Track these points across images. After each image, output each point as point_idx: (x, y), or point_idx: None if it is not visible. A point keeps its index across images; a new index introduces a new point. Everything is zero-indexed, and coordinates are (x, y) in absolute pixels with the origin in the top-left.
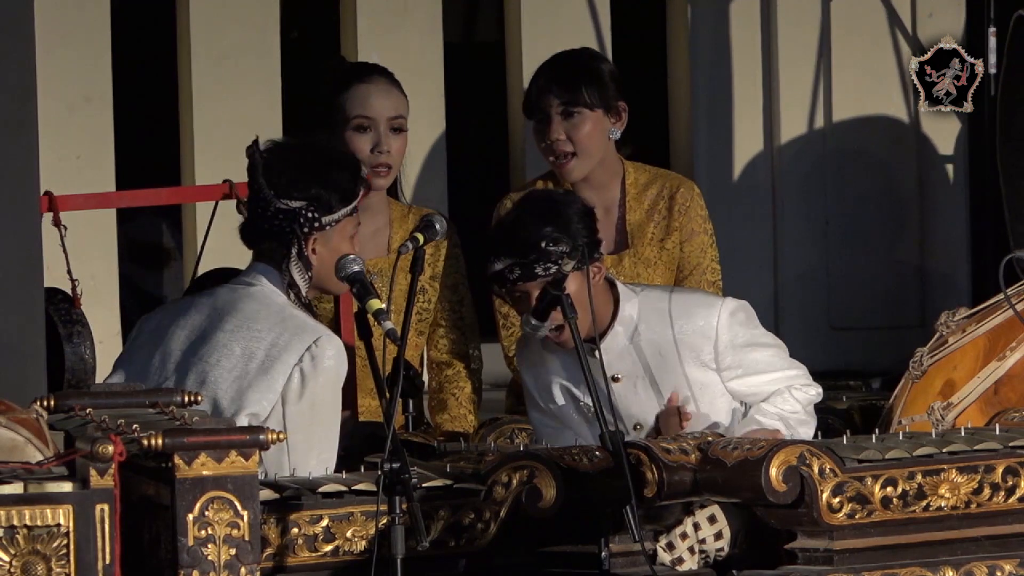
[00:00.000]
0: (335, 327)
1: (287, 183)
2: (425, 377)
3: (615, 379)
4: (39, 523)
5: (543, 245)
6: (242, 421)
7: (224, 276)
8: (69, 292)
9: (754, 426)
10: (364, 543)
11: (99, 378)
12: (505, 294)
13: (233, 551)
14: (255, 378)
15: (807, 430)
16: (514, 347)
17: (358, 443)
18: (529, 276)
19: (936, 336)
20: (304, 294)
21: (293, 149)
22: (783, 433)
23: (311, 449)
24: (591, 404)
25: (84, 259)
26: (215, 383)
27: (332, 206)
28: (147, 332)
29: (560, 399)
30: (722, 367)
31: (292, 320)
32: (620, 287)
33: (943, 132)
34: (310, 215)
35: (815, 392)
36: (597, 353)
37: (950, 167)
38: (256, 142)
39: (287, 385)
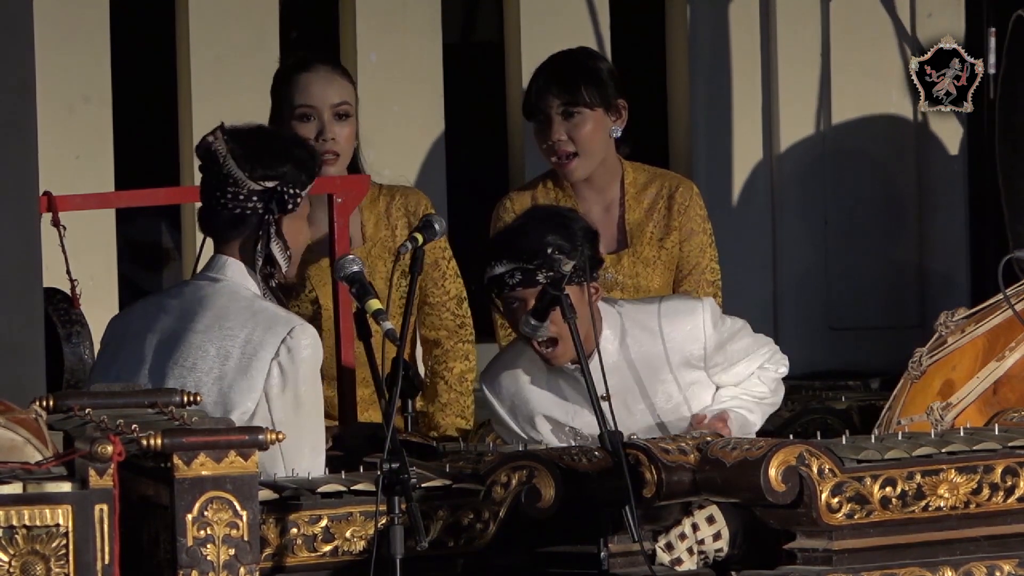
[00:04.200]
0: (335, 327)
1: (259, 164)
2: (421, 368)
3: (604, 398)
4: (38, 523)
5: (548, 252)
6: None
7: None
8: (68, 292)
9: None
10: (363, 543)
11: None
12: (500, 301)
13: (232, 551)
14: (235, 379)
15: (774, 399)
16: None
17: (359, 443)
18: (529, 282)
19: (935, 336)
20: (284, 273)
21: (251, 133)
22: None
23: (302, 440)
24: (578, 428)
25: (83, 259)
26: (195, 387)
27: (303, 183)
28: (117, 338)
29: (543, 429)
30: (709, 365)
31: (263, 313)
32: (599, 305)
33: (943, 132)
34: (291, 191)
35: (784, 368)
36: (584, 374)
37: (950, 167)
38: (220, 129)
39: (268, 381)
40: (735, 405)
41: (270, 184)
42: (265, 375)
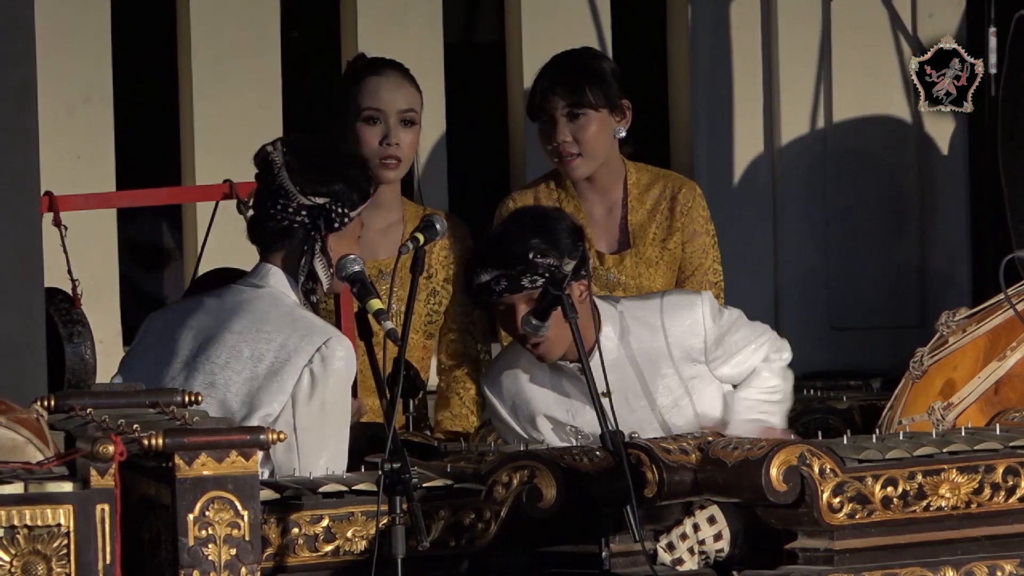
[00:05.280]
0: (336, 327)
1: (311, 180)
2: (435, 379)
3: (605, 395)
4: (39, 523)
5: (530, 257)
6: (255, 423)
7: (224, 276)
8: (69, 292)
9: (749, 424)
10: (364, 543)
11: (99, 378)
12: (489, 308)
13: (233, 551)
14: (265, 380)
15: (787, 389)
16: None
17: (360, 444)
18: (515, 288)
19: (936, 336)
20: (326, 290)
21: (309, 147)
22: (775, 424)
23: (321, 450)
24: (579, 427)
25: (84, 259)
26: (224, 385)
27: (355, 202)
28: (153, 332)
29: (544, 428)
30: (710, 358)
31: (301, 321)
32: (599, 304)
33: (943, 132)
34: (340, 210)
35: (787, 354)
36: (586, 371)
37: (950, 167)
38: (280, 141)
39: (297, 386)
40: (760, 412)
41: (320, 200)
42: (295, 380)
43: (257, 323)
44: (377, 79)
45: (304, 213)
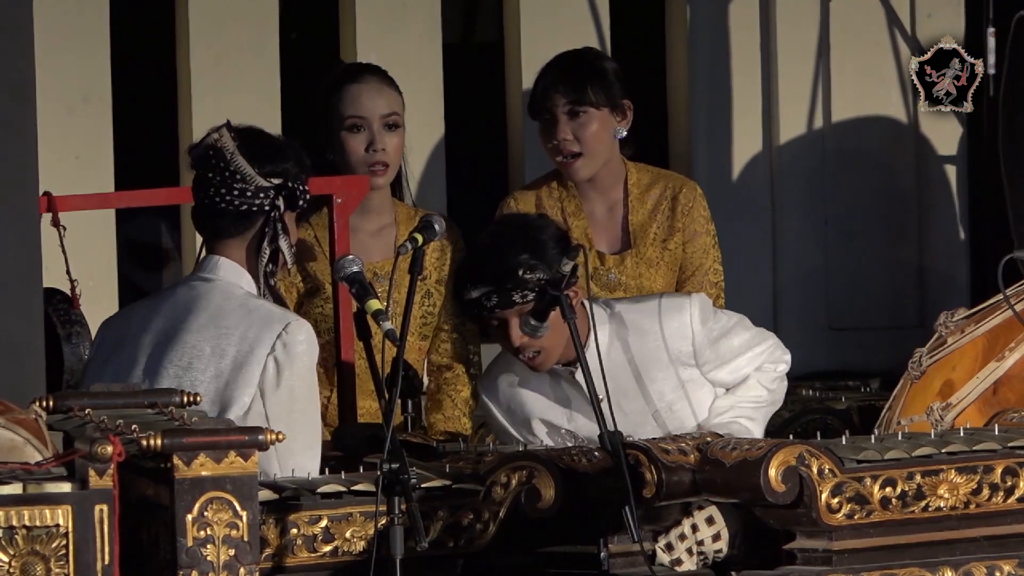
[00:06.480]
0: (335, 328)
1: (266, 161)
2: (425, 380)
3: (602, 400)
4: (38, 523)
5: (520, 273)
6: (232, 418)
7: None
8: (68, 292)
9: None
10: (363, 543)
11: None
12: (481, 321)
13: (232, 552)
14: (232, 375)
15: (775, 398)
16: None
17: (359, 444)
18: (506, 303)
19: (935, 336)
20: (289, 267)
21: (251, 131)
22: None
23: (295, 436)
24: (574, 431)
25: (83, 259)
26: (191, 386)
27: (304, 181)
28: (108, 342)
29: (540, 432)
30: (700, 362)
31: (257, 311)
32: (593, 308)
33: (943, 132)
34: (301, 187)
35: (784, 365)
36: (581, 374)
37: (950, 167)
38: (225, 127)
39: (263, 376)
40: (734, 416)
41: (277, 181)
42: (261, 370)
43: (215, 319)
44: (357, 87)
45: (262, 195)
